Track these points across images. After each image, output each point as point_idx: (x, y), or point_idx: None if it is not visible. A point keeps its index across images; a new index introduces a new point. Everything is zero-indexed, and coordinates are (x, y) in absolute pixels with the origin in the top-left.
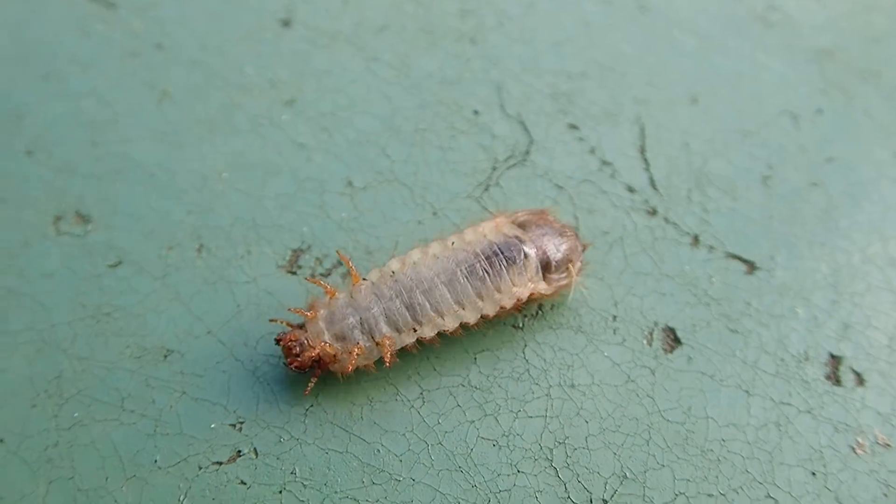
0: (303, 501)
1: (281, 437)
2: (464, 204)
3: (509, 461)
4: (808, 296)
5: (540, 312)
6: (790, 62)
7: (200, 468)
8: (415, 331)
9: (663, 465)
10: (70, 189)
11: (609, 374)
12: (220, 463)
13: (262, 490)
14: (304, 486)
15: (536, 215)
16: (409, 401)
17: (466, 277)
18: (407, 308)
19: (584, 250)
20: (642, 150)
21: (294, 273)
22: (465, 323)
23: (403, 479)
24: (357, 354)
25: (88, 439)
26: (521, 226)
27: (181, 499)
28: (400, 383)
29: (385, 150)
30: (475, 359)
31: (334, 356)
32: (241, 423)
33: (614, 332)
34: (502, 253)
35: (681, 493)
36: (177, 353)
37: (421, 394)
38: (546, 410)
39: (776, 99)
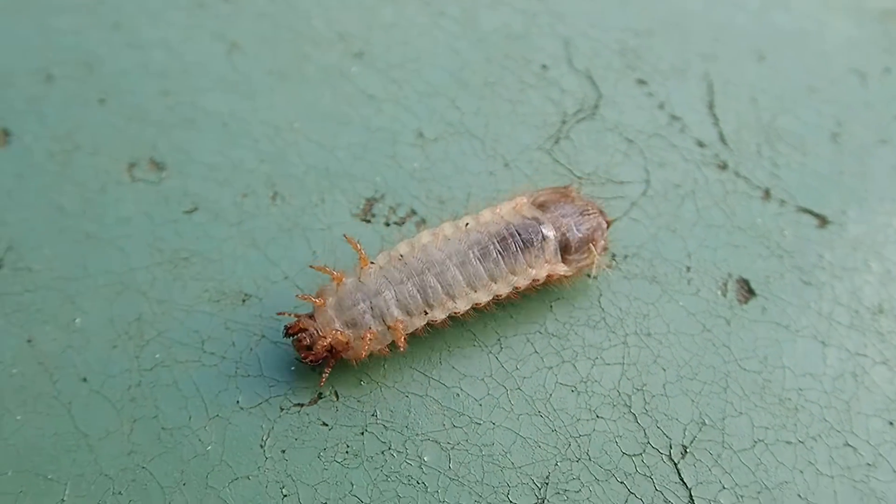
0: (384, 443)
1: (361, 381)
2: (535, 156)
3: (588, 407)
4: (880, 250)
5: (614, 262)
6: (856, 22)
7: (282, 409)
8: (426, 314)
9: (741, 413)
10: (143, 137)
11: (684, 324)
12: (302, 405)
13: (344, 431)
14: (386, 427)
15: (559, 193)
16: (486, 346)
17: (479, 260)
18: (418, 291)
19: (608, 227)
20: (711, 106)
21: (368, 221)
22: (477, 304)
23: (484, 422)
24: (370, 339)
25: (170, 380)
26: (541, 206)
27: (264, 438)
28: (477, 330)
29: (455, 103)
30: (551, 307)
31: (346, 343)
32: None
33: (689, 283)
34: (519, 235)
35: (759, 440)
36: (255, 298)
37: (498, 340)
38: (623, 358)
39: (842, 57)
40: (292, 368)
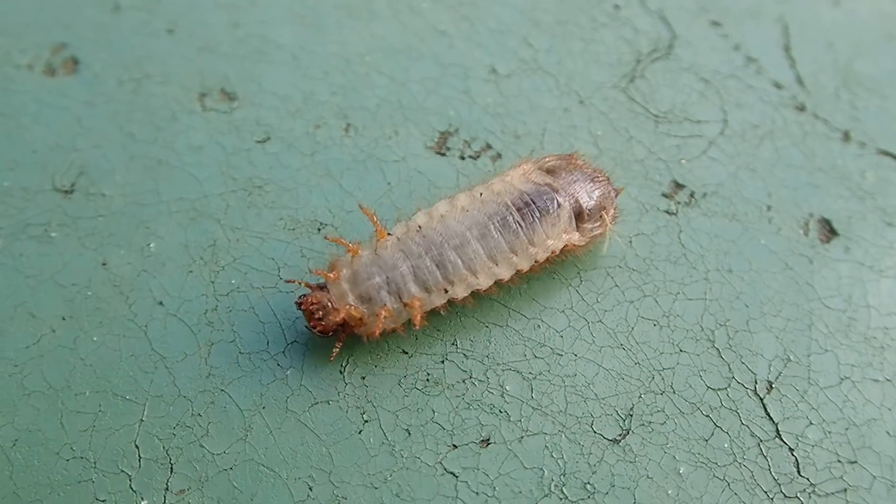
0: (465, 371)
1: (440, 310)
2: (610, 94)
3: (671, 341)
4: None
5: (693, 199)
6: None
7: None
8: (446, 291)
9: (826, 350)
10: (213, 67)
11: (766, 261)
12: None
13: (425, 359)
14: (466, 356)
15: (565, 160)
16: (566, 280)
17: (500, 231)
18: (437, 266)
19: (617, 195)
20: (787, 48)
21: (443, 154)
22: (500, 280)
23: (565, 353)
24: (384, 317)
25: (247, 305)
26: (550, 171)
27: (343, 365)
28: (556, 263)
29: (527, 40)
30: (630, 241)
31: (360, 319)
32: None
33: (769, 222)
34: (534, 203)
35: (846, 377)
36: (330, 227)
37: (578, 273)
38: (705, 293)
39: None
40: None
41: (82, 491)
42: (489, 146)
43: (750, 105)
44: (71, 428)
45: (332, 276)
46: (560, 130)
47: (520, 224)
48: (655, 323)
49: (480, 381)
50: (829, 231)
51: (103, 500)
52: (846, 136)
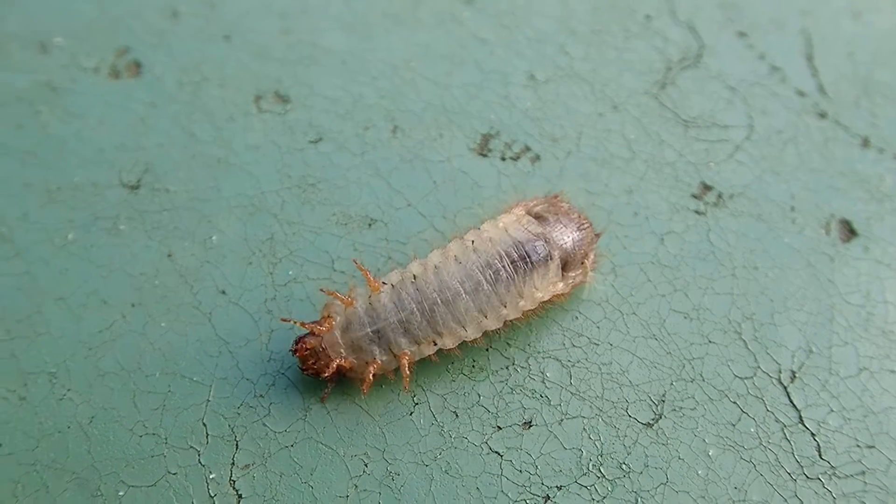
0: (508, 359)
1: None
2: (642, 100)
3: (700, 332)
4: None
5: (720, 200)
6: None
7: None
8: (435, 343)
9: (846, 343)
10: (267, 72)
11: (790, 259)
12: None
13: (469, 348)
14: (509, 345)
15: (549, 202)
16: (602, 274)
17: (491, 284)
18: (427, 320)
19: (597, 239)
20: (810, 58)
21: (485, 155)
22: (487, 331)
23: (602, 343)
24: (373, 371)
25: (304, 295)
26: (538, 217)
27: None
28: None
29: (564, 48)
30: (662, 239)
31: (350, 369)
32: None
33: (793, 222)
34: (528, 255)
35: (865, 368)
36: (380, 223)
37: (613, 269)
38: (732, 289)
39: None
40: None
41: (155, 465)
42: (528, 148)
43: (774, 112)
44: (143, 406)
45: (324, 328)
46: (595, 134)
47: (511, 277)
48: (686, 315)
49: (522, 367)
50: (849, 231)
51: (174, 474)
52: (865, 142)
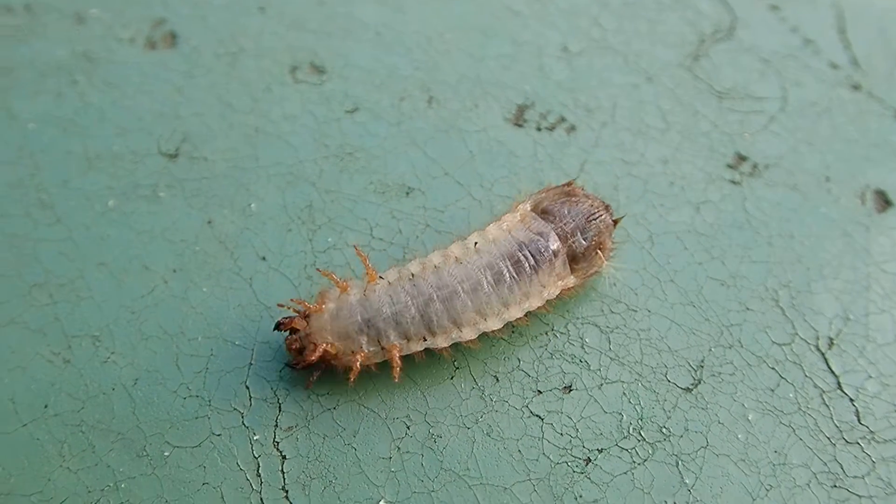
0: (547, 325)
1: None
2: (675, 72)
3: (738, 299)
4: None
5: (756, 170)
6: None
7: None
8: (425, 340)
9: (883, 311)
10: (302, 43)
11: (826, 229)
12: None
13: None
14: (548, 311)
15: (562, 192)
16: (639, 242)
17: (493, 286)
18: (421, 316)
19: (615, 225)
20: (842, 31)
21: (520, 126)
22: (486, 332)
23: (640, 309)
24: (360, 361)
25: (343, 261)
26: (545, 212)
27: None
28: (629, 226)
29: (597, 20)
30: (698, 208)
31: (335, 356)
32: None
33: (828, 192)
34: (531, 256)
35: None
36: (418, 191)
37: (650, 237)
38: (769, 257)
39: None
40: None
41: (199, 426)
42: (563, 119)
43: (808, 84)
44: (186, 369)
45: (315, 307)
46: (630, 105)
47: (514, 278)
48: (723, 283)
49: (562, 333)
50: (884, 201)
51: (219, 435)
52: None
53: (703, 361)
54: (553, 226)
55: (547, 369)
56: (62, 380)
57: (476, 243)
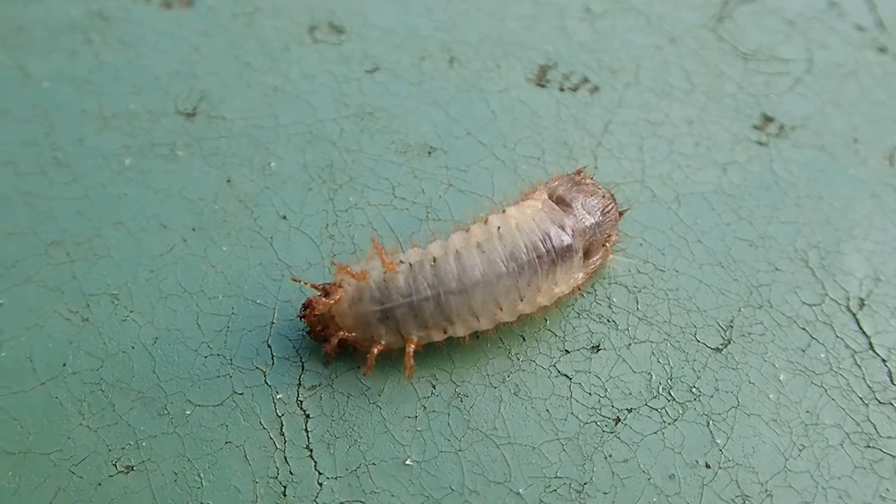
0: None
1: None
2: (699, 33)
3: (766, 260)
4: None
5: (782, 131)
6: None
7: None
8: (445, 332)
9: None
10: (320, 3)
11: (854, 189)
12: None
13: None
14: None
15: (572, 181)
16: (665, 202)
17: (514, 277)
18: (441, 306)
19: (620, 217)
20: None
21: (543, 86)
22: (500, 323)
23: (668, 269)
24: (377, 350)
25: (364, 220)
26: (560, 200)
27: None
28: (655, 187)
29: None
30: (725, 169)
31: (354, 341)
32: None
33: (856, 153)
34: (555, 249)
35: None
36: (440, 151)
37: (677, 197)
38: (797, 217)
39: None
40: (481, 215)
41: (221, 385)
42: (587, 79)
43: (833, 46)
44: (207, 328)
45: (334, 299)
46: (653, 66)
47: (535, 271)
48: (751, 243)
49: (588, 293)
50: None
51: (241, 393)
52: None
53: (732, 321)
54: (573, 219)
55: (574, 329)
56: (80, 338)
57: (499, 228)
